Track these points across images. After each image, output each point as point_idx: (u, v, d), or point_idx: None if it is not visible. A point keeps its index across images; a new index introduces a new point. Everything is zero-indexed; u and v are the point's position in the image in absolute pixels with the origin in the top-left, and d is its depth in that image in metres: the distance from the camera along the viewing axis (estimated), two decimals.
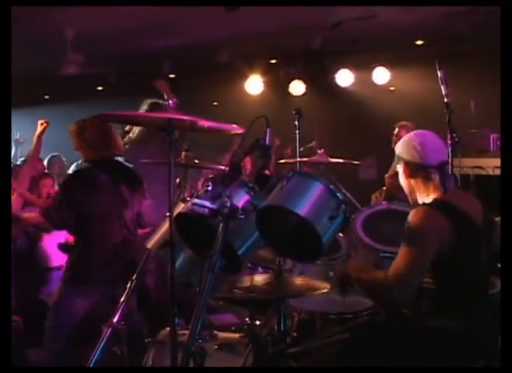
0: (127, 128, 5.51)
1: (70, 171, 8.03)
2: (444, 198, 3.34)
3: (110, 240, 4.70)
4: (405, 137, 3.50)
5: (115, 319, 3.76)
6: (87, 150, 4.83)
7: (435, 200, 3.33)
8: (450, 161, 3.75)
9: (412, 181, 3.44)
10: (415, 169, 3.40)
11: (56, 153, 8.30)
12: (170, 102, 6.14)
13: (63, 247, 4.89)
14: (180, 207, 3.33)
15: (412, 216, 3.21)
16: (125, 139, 5.36)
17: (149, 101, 5.53)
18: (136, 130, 5.30)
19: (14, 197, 4.90)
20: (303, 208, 2.70)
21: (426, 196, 3.40)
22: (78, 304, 4.68)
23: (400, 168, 3.50)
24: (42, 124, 7.08)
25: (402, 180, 3.52)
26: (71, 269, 4.76)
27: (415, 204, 3.44)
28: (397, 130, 7.86)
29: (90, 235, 4.69)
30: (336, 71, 10.06)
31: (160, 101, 5.46)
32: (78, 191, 4.63)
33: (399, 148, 3.48)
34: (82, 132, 4.81)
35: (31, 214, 4.90)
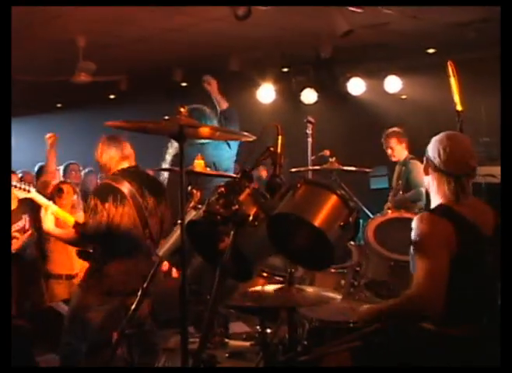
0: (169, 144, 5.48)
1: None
2: (450, 205, 3.31)
3: (133, 250, 4.71)
4: (439, 137, 3.43)
5: (125, 326, 3.77)
6: (110, 164, 4.87)
7: (440, 206, 3.33)
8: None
9: (428, 178, 3.45)
10: (433, 170, 3.39)
11: (72, 161, 8.32)
12: (219, 108, 5.99)
13: (83, 254, 4.90)
14: (192, 215, 3.33)
15: (417, 224, 3.23)
16: (168, 152, 5.31)
17: (191, 106, 5.41)
18: (175, 143, 5.31)
19: (46, 215, 4.90)
20: (314, 216, 2.69)
21: (436, 199, 3.40)
22: (95, 312, 4.69)
23: (424, 160, 3.49)
24: (49, 138, 7.15)
25: (427, 181, 3.51)
26: (93, 277, 4.76)
27: None
28: (384, 139, 7.74)
29: (115, 246, 4.71)
30: (348, 79, 10.05)
31: (201, 106, 5.34)
32: (109, 204, 4.66)
33: (430, 145, 3.44)
34: (99, 150, 4.86)
35: (64, 231, 4.92)
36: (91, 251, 4.84)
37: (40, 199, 4.97)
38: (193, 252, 3.08)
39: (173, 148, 5.29)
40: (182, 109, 3.03)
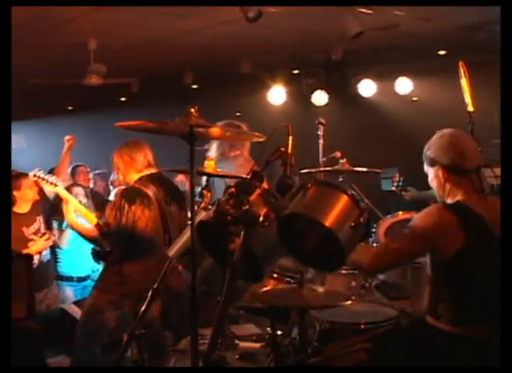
0: (206, 147, 5.45)
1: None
2: (465, 201, 3.28)
3: (153, 255, 4.72)
4: (442, 140, 3.38)
5: (135, 327, 3.77)
6: (130, 173, 4.88)
7: (455, 203, 3.30)
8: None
9: (448, 185, 3.36)
10: (454, 173, 3.33)
11: (80, 163, 8.32)
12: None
13: (97, 254, 4.90)
14: (202, 216, 3.33)
15: (424, 211, 3.27)
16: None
17: (226, 121, 5.37)
18: (213, 148, 5.30)
19: (68, 207, 4.94)
20: (325, 216, 2.68)
21: (453, 198, 3.35)
22: (110, 314, 4.69)
23: (433, 171, 3.41)
24: (69, 141, 7.20)
25: (436, 183, 3.42)
26: (110, 279, 4.77)
27: None
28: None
29: (135, 249, 4.71)
30: (358, 81, 10.03)
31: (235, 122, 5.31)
32: (136, 207, 4.67)
33: (435, 151, 3.38)
34: (118, 160, 4.88)
35: (86, 226, 4.94)
36: (108, 250, 4.84)
37: (64, 194, 5.00)
38: (203, 253, 3.08)
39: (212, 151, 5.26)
40: (192, 110, 3.03)
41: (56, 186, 5.05)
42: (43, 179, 5.10)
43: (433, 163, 3.40)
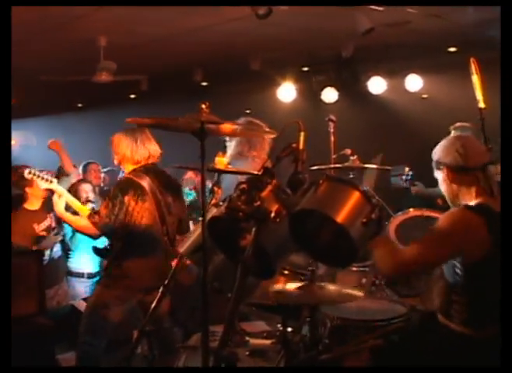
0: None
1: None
2: (488, 203, 3.24)
3: (153, 247, 4.72)
4: (444, 142, 3.42)
5: (145, 324, 3.78)
6: (128, 162, 4.88)
7: (478, 204, 3.25)
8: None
9: (455, 186, 3.36)
10: (458, 173, 3.33)
11: (91, 160, 8.34)
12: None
13: (100, 251, 4.92)
14: (213, 212, 3.32)
15: (449, 213, 3.20)
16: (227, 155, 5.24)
17: (245, 118, 5.35)
18: (232, 145, 5.28)
19: (59, 199, 4.97)
20: (336, 212, 2.68)
21: (469, 200, 3.31)
22: (114, 309, 4.69)
23: (440, 174, 3.42)
24: (52, 145, 7.37)
25: (444, 186, 3.42)
26: (112, 273, 4.78)
27: None
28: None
29: (134, 242, 4.72)
30: (368, 78, 10.01)
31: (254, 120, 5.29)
32: (130, 198, 4.67)
33: (438, 153, 3.41)
34: (120, 145, 4.87)
35: (76, 218, 4.94)
36: (108, 248, 4.86)
37: (58, 189, 5.00)
38: (215, 249, 3.07)
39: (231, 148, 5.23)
40: (203, 106, 3.03)
41: (51, 182, 5.05)
42: (38, 176, 5.10)
43: (438, 166, 3.42)
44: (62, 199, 4.91)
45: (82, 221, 4.80)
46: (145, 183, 4.75)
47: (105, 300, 4.71)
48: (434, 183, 3.57)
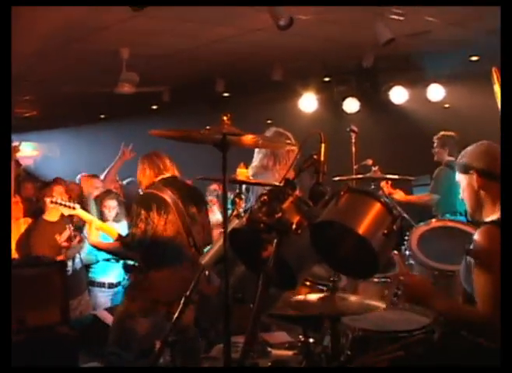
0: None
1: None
2: None
3: (179, 258, 4.74)
4: (479, 147, 3.26)
5: (168, 334, 3.79)
6: (149, 178, 4.93)
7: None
8: None
9: (483, 193, 3.20)
10: (489, 179, 3.16)
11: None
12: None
13: (128, 267, 4.98)
14: (235, 223, 3.33)
15: (481, 237, 3.03)
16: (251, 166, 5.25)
17: (274, 129, 5.35)
18: (258, 158, 5.29)
19: (91, 229, 5.07)
20: (358, 224, 2.67)
21: (491, 213, 3.17)
22: (142, 322, 4.72)
23: (466, 178, 3.26)
24: (127, 153, 7.55)
25: (468, 192, 3.26)
26: (139, 286, 4.80)
27: (475, 221, 3.31)
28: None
29: (161, 254, 4.74)
30: (390, 88, 9.99)
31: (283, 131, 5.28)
32: (153, 213, 4.70)
33: (469, 156, 3.25)
34: (143, 163, 4.94)
35: (110, 243, 5.03)
36: (136, 265, 4.90)
37: (84, 215, 5.07)
38: (236, 261, 3.08)
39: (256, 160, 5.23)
40: (225, 118, 3.04)
41: (74, 209, 5.12)
42: (60, 204, 5.17)
43: (466, 169, 3.25)
44: (92, 227, 4.98)
45: (115, 245, 4.88)
46: (166, 195, 4.78)
47: (132, 312, 4.74)
48: None
